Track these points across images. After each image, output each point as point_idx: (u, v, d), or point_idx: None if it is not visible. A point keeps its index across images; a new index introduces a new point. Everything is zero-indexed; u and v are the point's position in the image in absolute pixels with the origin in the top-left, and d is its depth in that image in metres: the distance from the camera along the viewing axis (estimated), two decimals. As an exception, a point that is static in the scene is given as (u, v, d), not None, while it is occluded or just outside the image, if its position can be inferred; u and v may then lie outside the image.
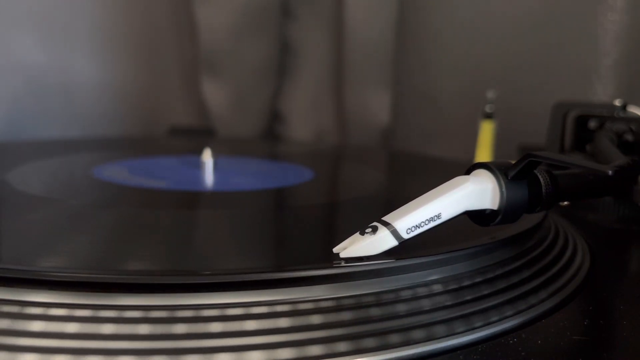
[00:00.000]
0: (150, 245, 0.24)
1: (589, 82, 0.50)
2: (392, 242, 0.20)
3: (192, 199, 0.33)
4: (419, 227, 0.20)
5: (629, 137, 0.34)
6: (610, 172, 0.22)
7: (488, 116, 0.45)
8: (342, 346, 0.18)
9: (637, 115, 0.35)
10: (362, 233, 0.20)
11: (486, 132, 0.45)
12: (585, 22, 0.49)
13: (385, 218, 0.20)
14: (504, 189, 0.21)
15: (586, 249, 0.28)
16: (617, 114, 0.36)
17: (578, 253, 0.27)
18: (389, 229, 0.20)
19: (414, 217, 0.20)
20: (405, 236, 0.20)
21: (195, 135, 0.57)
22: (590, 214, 0.35)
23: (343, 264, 0.20)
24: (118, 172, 0.37)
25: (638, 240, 0.32)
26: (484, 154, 0.44)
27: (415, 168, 0.45)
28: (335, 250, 0.20)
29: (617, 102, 0.37)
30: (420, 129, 0.59)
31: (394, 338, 0.18)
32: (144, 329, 0.17)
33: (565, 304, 0.22)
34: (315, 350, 0.17)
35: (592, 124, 0.36)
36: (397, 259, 0.20)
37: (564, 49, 0.51)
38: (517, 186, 0.21)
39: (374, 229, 0.20)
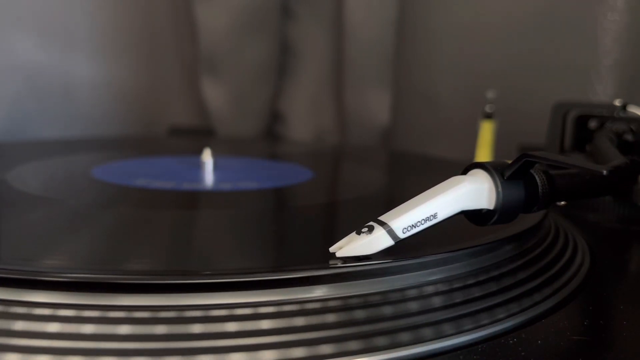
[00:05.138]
0: (149, 245, 0.24)
1: (589, 82, 0.50)
2: (388, 242, 0.20)
3: (192, 199, 0.33)
4: (415, 227, 0.20)
5: (629, 137, 0.34)
6: (605, 172, 0.22)
7: (488, 116, 0.45)
8: (339, 346, 0.18)
9: (637, 115, 0.35)
10: (359, 232, 0.20)
11: (486, 132, 0.45)
12: (585, 22, 0.49)
13: (381, 217, 0.20)
14: (500, 189, 0.21)
15: (586, 249, 0.28)
16: (617, 114, 0.36)
17: (578, 253, 0.27)
18: (385, 228, 0.20)
19: (410, 217, 0.20)
20: (402, 236, 0.20)
21: (195, 135, 0.57)
22: (590, 214, 0.35)
23: (340, 264, 0.20)
24: (118, 172, 0.37)
25: (638, 240, 0.32)
26: (484, 154, 0.44)
27: (415, 168, 0.45)
28: (331, 249, 0.20)
29: (617, 102, 0.37)
30: (420, 129, 0.59)
31: (392, 338, 0.18)
32: (143, 329, 0.17)
33: (565, 304, 0.22)
34: (309, 350, 0.17)
35: (592, 124, 0.36)
36: (394, 259, 0.20)
37: (564, 49, 0.51)
38: (514, 186, 0.21)
39: (370, 229, 0.20)
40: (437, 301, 0.20)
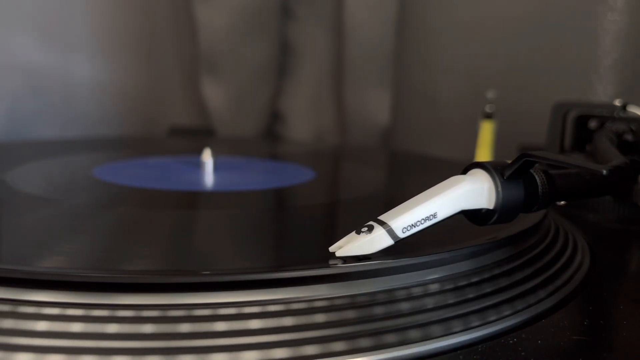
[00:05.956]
0: (150, 245, 0.24)
1: (589, 82, 0.50)
2: (388, 241, 0.20)
3: (192, 199, 0.33)
4: (414, 227, 0.20)
5: (629, 137, 0.34)
6: (604, 172, 0.22)
7: (488, 116, 0.45)
8: (339, 345, 0.18)
9: (637, 115, 0.35)
10: (358, 232, 0.20)
11: (486, 132, 0.45)
12: (585, 22, 0.49)
13: (381, 217, 0.20)
14: (499, 189, 0.21)
15: (586, 248, 0.28)
16: (617, 114, 0.36)
17: (578, 253, 0.27)
18: (384, 228, 0.20)
19: (410, 217, 0.20)
20: (401, 235, 0.20)
21: (195, 135, 0.57)
22: (590, 214, 0.35)
23: (340, 264, 0.20)
24: (118, 172, 0.37)
25: (638, 240, 0.32)
26: (484, 154, 0.44)
27: (415, 168, 0.45)
28: (331, 249, 0.20)
29: (617, 102, 0.37)
30: (420, 129, 0.59)
31: (392, 338, 0.18)
32: (142, 328, 0.17)
33: (565, 304, 0.22)
34: (312, 349, 0.17)
35: (592, 124, 0.36)
36: (394, 259, 0.20)
37: (564, 49, 0.51)
38: (513, 186, 0.21)
39: (370, 228, 0.20)
40: (436, 301, 0.20)
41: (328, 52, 0.60)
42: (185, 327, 0.17)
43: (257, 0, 0.57)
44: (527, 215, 0.25)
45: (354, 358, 0.17)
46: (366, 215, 0.21)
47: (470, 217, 0.22)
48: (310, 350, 0.17)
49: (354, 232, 0.20)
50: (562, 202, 0.34)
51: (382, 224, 0.20)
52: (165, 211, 0.29)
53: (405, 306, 0.19)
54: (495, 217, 0.21)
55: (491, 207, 0.21)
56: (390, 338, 0.18)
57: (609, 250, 0.29)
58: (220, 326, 0.17)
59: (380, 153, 0.54)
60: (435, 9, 0.56)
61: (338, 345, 0.18)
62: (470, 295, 0.21)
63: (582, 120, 0.37)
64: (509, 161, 0.22)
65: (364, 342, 0.18)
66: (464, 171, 0.22)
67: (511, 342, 0.19)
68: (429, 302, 0.20)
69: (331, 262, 0.20)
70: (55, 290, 0.18)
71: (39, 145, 0.48)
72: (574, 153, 0.37)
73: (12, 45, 0.55)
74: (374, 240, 0.20)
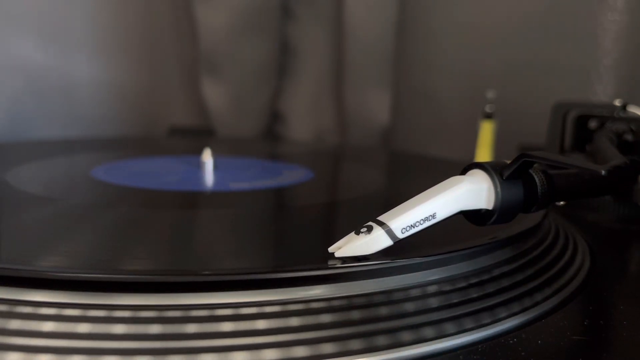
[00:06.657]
0: (149, 245, 0.24)
1: (589, 82, 0.50)
2: (387, 242, 0.20)
3: (192, 199, 0.33)
4: (413, 227, 0.20)
5: (629, 137, 0.34)
6: (603, 172, 0.22)
7: (488, 116, 0.45)
8: (338, 346, 0.18)
9: (637, 115, 0.35)
10: (357, 232, 0.20)
11: (486, 132, 0.45)
12: (585, 22, 0.49)
13: (380, 218, 0.20)
14: (498, 189, 0.21)
15: (586, 249, 0.28)
16: (617, 114, 0.36)
17: (578, 253, 0.27)
18: (383, 228, 0.20)
19: (409, 217, 0.20)
20: (400, 236, 0.20)
21: (195, 135, 0.57)
22: (590, 214, 0.35)
23: (339, 264, 0.20)
24: (118, 172, 0.37)
25: (638, 240, 0.32)
26: (484, 154, 0.44)
27: (415, 168, 0.45)
28: (330, 249, 0.20)
29: (617, 102, 0.37)
30: (420, 129, 0.59)
31: (392, 338, 0.18)
32: (141, 328, 0.17)
33: (565, 304, 0.22)
34: (303, 350, 0.17)
35: (592, 124, 0.36)
36: (393, 259, 0.20)
37: (564, 49, 0.51)
38: (513, 186, 0.21)
39: (369, 229, 0.20)
40: (436, 301, 0.20)
41: (328, 52, 0.60)
42: (182, 327, 0.17)
43: (257, 0, 0.57)
44: (526, 216, 0.25)
45: (352, 358, 0.17)
46: (366, 215, 0.21)
47: (470, 217, 0.22)
48: (302, 351, 0.17)
49: (353, 233, 0.20)
50: (562, 202, 0.34)
51: (381, 224, 0.20)
52: (165, 211, 0.29)
53: (403, 307, 0.19)
54: (494, 218, 0.21)
55: (490, 207, 0.21)
56: (390, 338, 0.18)
57: (609, 250, 0.29)
58: (211, 327, 0.17)
59: (380, 153, 0.54)
60: (435, 9, 0.56)
61: (334, 346, 0.18)
62: (470, 296, 0.21)
63: (582, 120, 0.37)
64: (509, 161, 0.22)
65: (362, 342, 0.18)
66: (463, 171, 0.22)
67: (511, 342, 0.19)
68: (428, 303, 0.20)
69: (330, 262, 0.20)
70: (56, 290, 0.18)
71: (39, 145, 0.48)
72: (574, 153, 0.37)
73: (12, 46, 0.55)
74: (373, 241, 0.20)
